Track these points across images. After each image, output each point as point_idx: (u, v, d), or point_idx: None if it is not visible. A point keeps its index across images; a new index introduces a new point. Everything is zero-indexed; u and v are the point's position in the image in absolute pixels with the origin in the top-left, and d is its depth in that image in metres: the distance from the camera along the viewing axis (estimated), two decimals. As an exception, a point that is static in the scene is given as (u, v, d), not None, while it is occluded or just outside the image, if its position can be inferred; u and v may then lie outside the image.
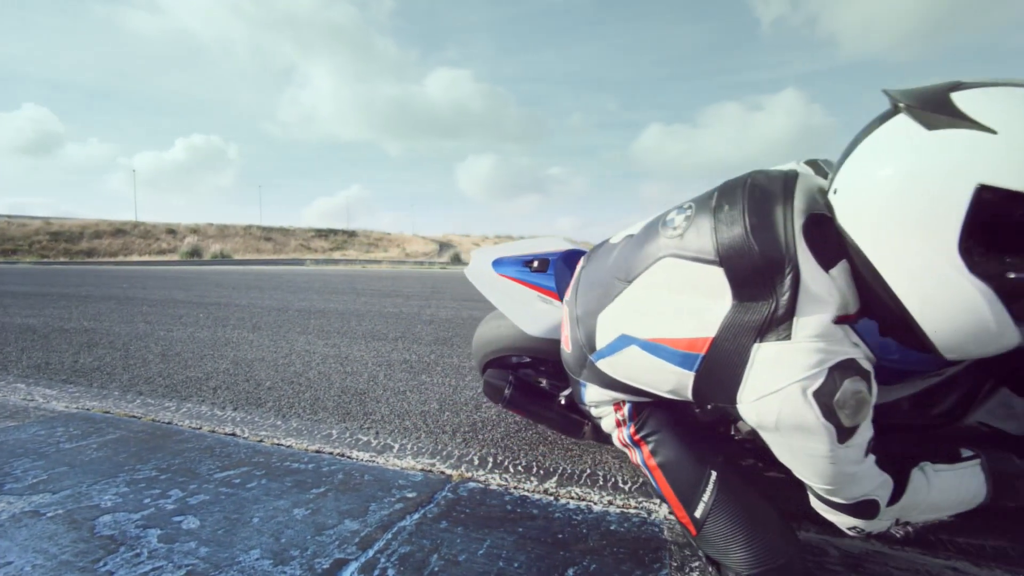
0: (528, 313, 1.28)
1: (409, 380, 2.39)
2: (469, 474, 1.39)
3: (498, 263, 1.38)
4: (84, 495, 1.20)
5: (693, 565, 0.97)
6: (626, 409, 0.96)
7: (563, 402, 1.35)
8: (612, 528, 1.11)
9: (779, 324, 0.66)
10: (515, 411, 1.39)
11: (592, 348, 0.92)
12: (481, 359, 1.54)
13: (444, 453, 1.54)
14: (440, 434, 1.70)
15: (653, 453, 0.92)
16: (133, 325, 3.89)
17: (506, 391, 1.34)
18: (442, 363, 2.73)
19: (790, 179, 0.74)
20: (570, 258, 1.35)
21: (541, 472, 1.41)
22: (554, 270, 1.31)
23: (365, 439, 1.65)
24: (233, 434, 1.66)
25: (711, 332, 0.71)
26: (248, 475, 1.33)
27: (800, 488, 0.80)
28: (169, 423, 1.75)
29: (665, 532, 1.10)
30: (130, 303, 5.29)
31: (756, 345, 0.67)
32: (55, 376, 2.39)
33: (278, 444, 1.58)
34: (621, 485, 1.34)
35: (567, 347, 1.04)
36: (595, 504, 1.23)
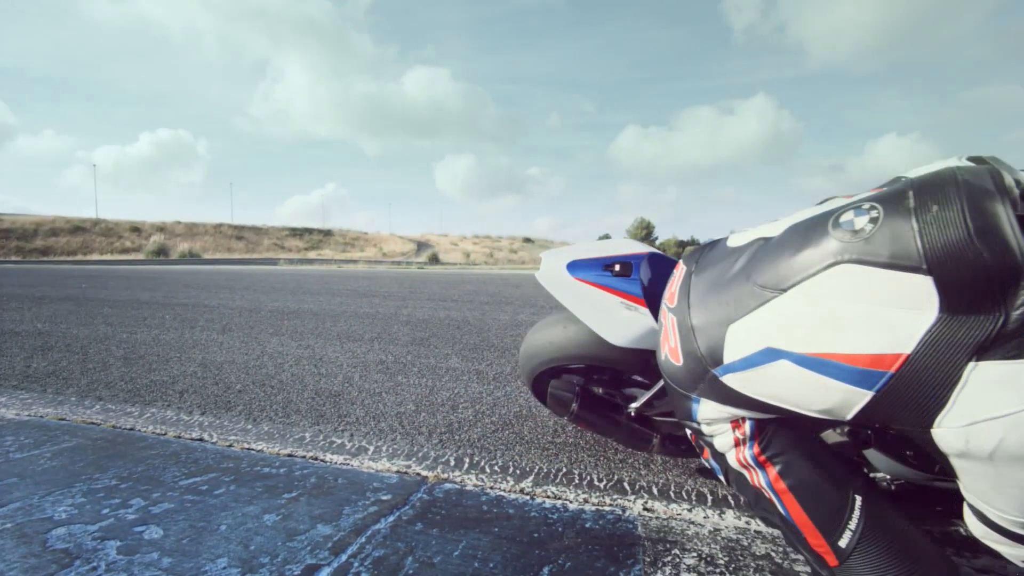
0: (612, 321, 1.19)
1: (385, 381, 2.36)
2: (445, 475, 1.38)
3: (574, 267, 1.28)
4: (36, 507, 1.14)
5: (666, 560, 0.99)
6: (747, 427, 0.87)
7: (632, 414, 1.31)
8: (587, 526, 1.12)
9: (1009, 341, 0.59)
10: (580, 425, 1.32)
11: (717, 361, 0.83)
12: (531, 370, 1.46)
13: (420, 455, 1.53)
14: (416, 435, 1.69)
15: (782, 475, 0.83)
16: (93, 327, 3.71)
17: (573, 405, 1.27)
18: (419, 364, 2.71)
19: (996, 175, 0.66)
20: (655, 262, 1.28)
21: (517, 472, 1.42)
22: (639, 274, 1.23)
23: (339, 442, 1.62)
24: (200, 439, 1.60)
25: (906, 348, 0.64)
26: (216, 481, 1.29)
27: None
28: (131, 429, 1.68)
29: (639, 528, 1.11)
30: (90, 304, 5.05)
31: (972, 364, 0.60)
32: (4, 382, 2.27)
33: (248, 449, 1.53)
34: (596, 483, 1.35)
35: (676, 360, 0.94)
36: (571, 502, 1.24)
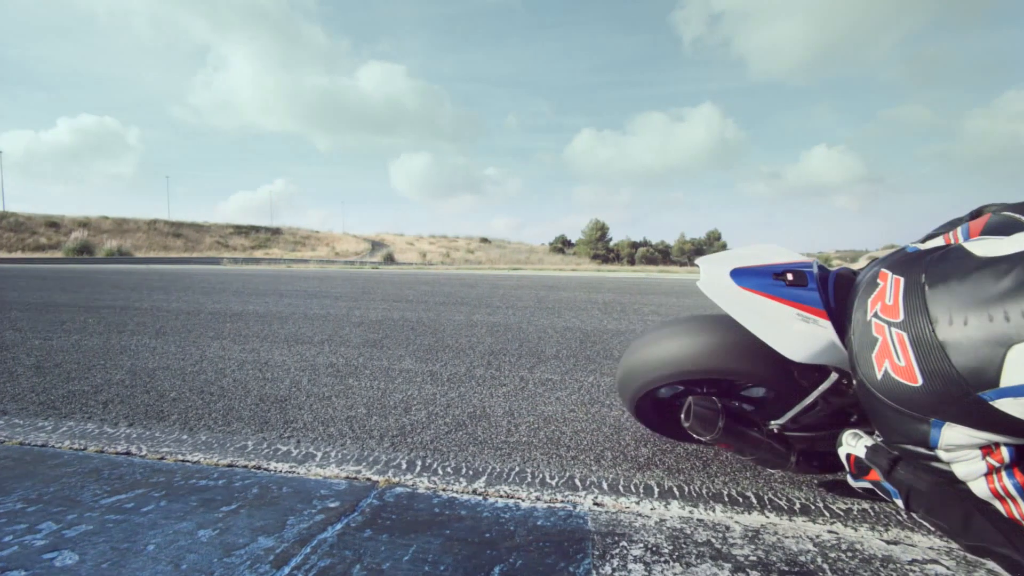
0: (788, 334, 1.11)
1: (335, 385, 2.28)
2: (397, 479, 1.35)
3: (738, 275, 1.20)
4: (-75, 536, 1.01)
5: (614, 552, 1.02)
6: (1005, 453, 0.80)
7: (775, 430, 1.26)
8: (539, 523, 1.13)
9: None
10: (719, 444, 1.24)
11: (987, 384, 0.76)
12: (639, 388, 1.40)
13: (371, 459, 1.49)
14: (367, 439, 1.64)
15: None
16: None
17: (720, 422, 1.20)
18: (371, 366, 2.64)
19: None
20: (823, 271, 1.20)
21: (470, 472, 1.41)
22: (817, 284, 1.15)
23: (285, 449, 1.55)
24: (127, 453, 1.48)
25: None
26: (144, 498, 1.19)
27: None
28: (43, 446, 1.52)
29: (589, 523, 1.14)
30: (-3, 307, 4.55)
31: None
32: None
33: (183, 460, 1.43)
34: (548, 481, 1.37)
35: (908, 379, 0.85)
36: (523, 501, 1.25)
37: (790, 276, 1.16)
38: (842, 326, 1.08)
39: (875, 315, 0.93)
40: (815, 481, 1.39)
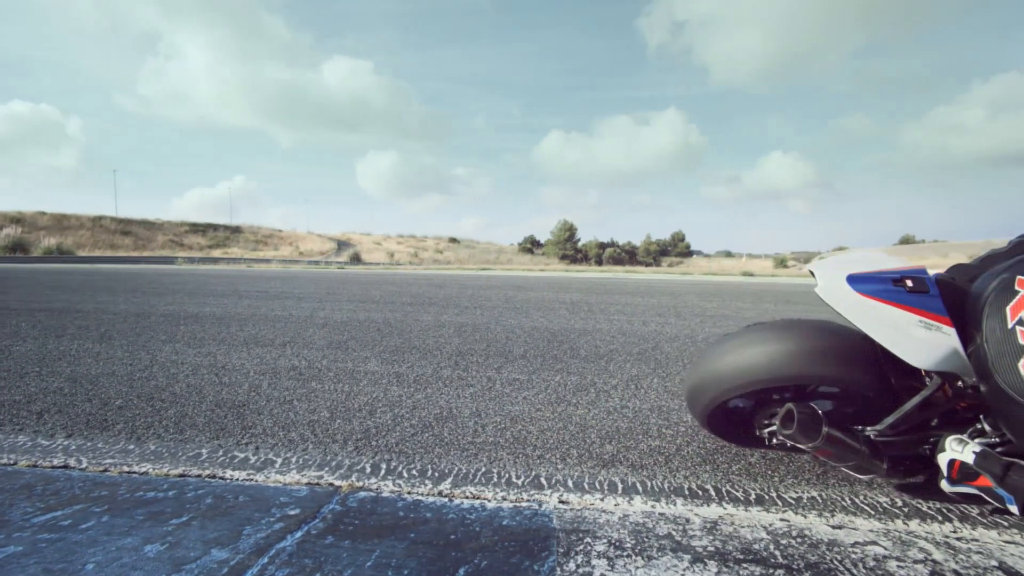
0: (911, 341, 1.12)
1: (297, 388, 2.20)
2: (360, 483, 1.32)
3: (855, 281, 1.19)
4: None
5: (578, 549, 1.03)
6: None
7: (872, 437, 1.25)
8: (504, 523, 1.13)
9: None
10: (819, 452, 1.21)
11: None
12: (716, 397, 1.39)
13: (333, 463, 1.45)
14: (330, 444, 1.60)
15: None
16: (-81, 339, 3.05)
17: (824, 429, 1.17)
18: (335, 368, 2.57)
19: None
20: (939, 277, 1.21)
21: (436, 474, 1.40)
22: (937, 290, 1.15)
23: (242, 456, 1.49)
24: (65, 466, 1.38)
25: None
26: (83, 514, 1.12)
27: None
28: (-31, 460, 1.40)
29: (554, 521, 1.15)
30: (-84, 311, 4.15)
31: None
32: None
33: (129, 472, 1.35)
34: (515, 480, 1.38)
35: None
36: (489, 501, 1.24)
37: (910, 283, 1.16)
38: (964, 333, 1.11)
39: (1019, 322, 0.95)
40: (769, 472, 1.45)
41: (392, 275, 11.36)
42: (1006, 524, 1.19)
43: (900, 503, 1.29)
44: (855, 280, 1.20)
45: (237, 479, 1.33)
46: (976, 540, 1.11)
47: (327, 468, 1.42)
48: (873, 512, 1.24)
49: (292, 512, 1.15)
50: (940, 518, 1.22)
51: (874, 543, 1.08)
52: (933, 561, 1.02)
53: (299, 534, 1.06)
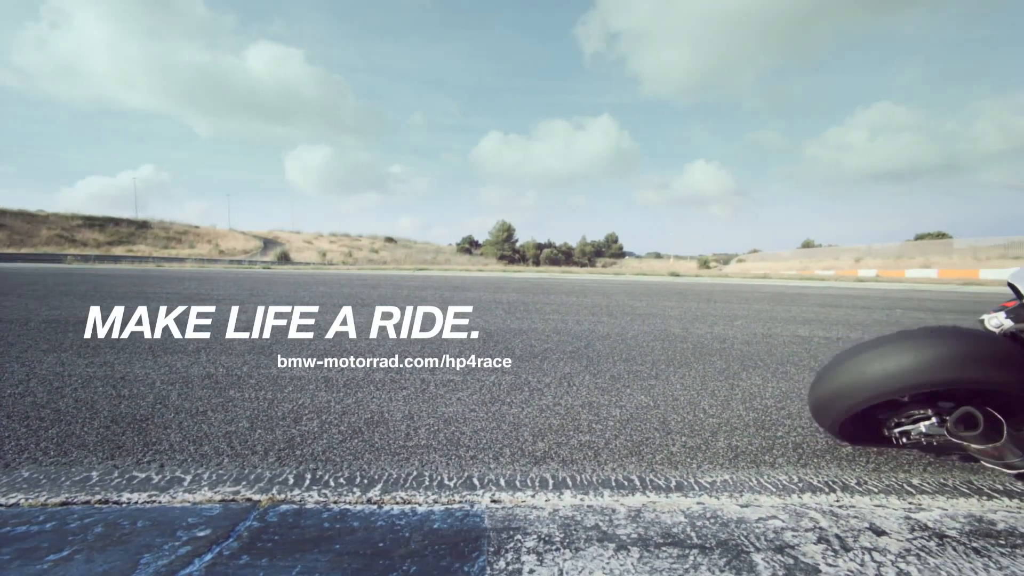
0: None
1: (212, 398, 2.03)
2: (282, 496, 1.24)
3: None
4: None
5: (508, 547, 1.05)
6: None
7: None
8: (436, 527, 1.12)
9: None
10: (983, 453, 1.23)
11: None
12: (854, 405, 1.39)
13: (252, 477, 1.35)
14: (249, 456, 1.49)
15: None
16: None
17: (1006, 430, 1.17)
18: (257, 375, 2.39)
19: None
20: None
21: (365, 481, 1.35)
22: None
23: (143, 476, 1.34)
24: (-91, 501, 1.17)
25: None
26: (-67, 555, 0.95)
27: None
28: None
29: (486, 521, 1.15)
30: None
31: None
32: None
33: (-5, 503, 1.17)
34: (447, 482, 1.36)
35: None
36: (420, 505, 1.22)
37: None
38: None
39: None
40: (688, 459, 1.56)
41: (323, 275, 10.81)
42: (876, 490, 1.37)
43: (796, 479, 1.44)
44: None
45: (136, 502, 1.20)
46: (853, 506, 1.27)
47: (244, 482, 1.32)
48: (775, 489, 1.37)
49: (201, 534, 1.06)
50: (827, 490, 1.38)
51: (774, 517, 1.20)
52: (820, 528, 1.15)
53: (209, 557, 0.97)
